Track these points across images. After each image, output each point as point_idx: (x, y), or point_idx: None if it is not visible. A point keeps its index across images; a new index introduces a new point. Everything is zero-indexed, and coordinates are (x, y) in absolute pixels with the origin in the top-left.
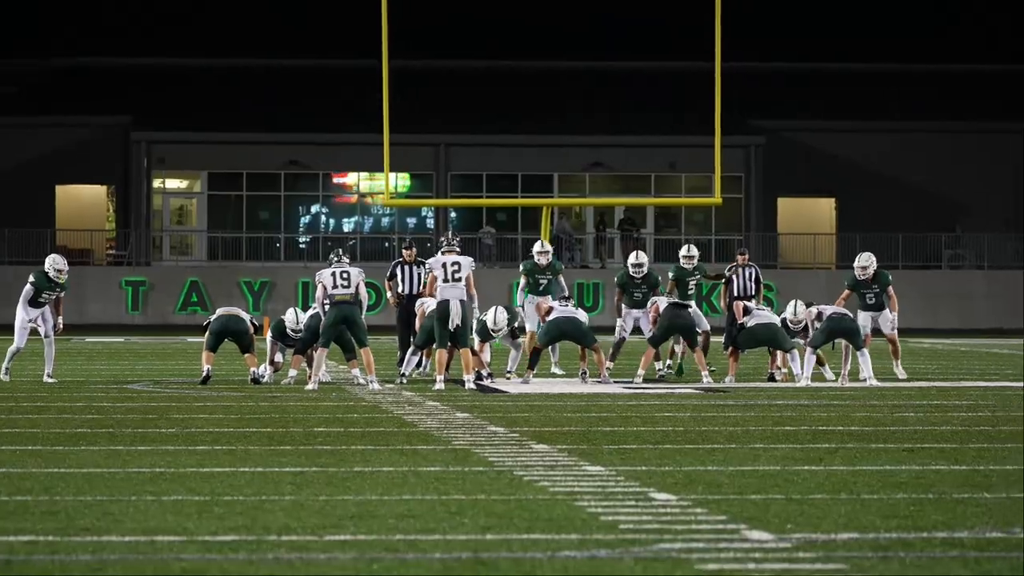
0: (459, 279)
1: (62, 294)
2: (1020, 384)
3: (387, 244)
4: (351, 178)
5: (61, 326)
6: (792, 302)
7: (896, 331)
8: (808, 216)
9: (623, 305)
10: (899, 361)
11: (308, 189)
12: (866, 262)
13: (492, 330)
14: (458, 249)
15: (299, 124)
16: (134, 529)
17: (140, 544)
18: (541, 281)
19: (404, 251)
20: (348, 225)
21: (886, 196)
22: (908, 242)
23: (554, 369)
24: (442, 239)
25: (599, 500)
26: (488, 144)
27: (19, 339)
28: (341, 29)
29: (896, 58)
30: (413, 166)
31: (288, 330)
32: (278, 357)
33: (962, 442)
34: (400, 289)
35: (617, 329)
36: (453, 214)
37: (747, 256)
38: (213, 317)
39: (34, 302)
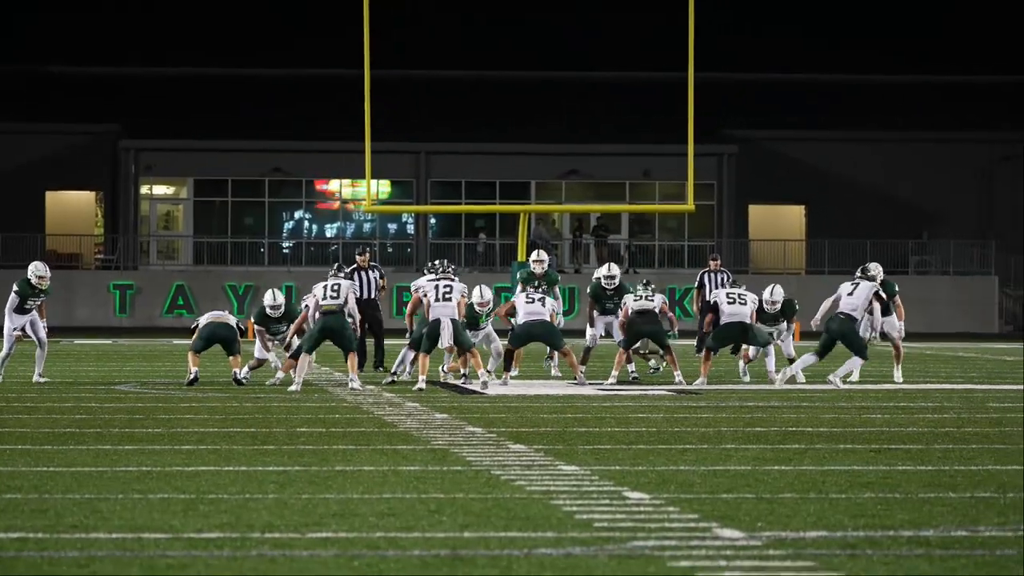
0: (449, 299)
1: (45, 299)
2: (984, 387)
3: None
4: (333, 185)
5: (45, 329)
6: (770, 286)
7: (902, 338)
8: (779, 223)
9: (595, 313)
10: (900, 365)
11: (291, 195)
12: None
13: (478, 304)
14: (453, 278)
15: (283, 132)
16: (121, 526)
17: (127, 541)
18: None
19: (358, 256)
20: (330, 231)
21: (855, 203)
22: (876, 248)
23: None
24: (436, 264)
25: (574, 499)
26: (467, 152)
27: (7, 346)
28: (324, 39)
29: (865, 68)
30: (394, 173)
31: (267, 308)
32: (270, 356)
33: (928, 443)
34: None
35: (589, 336)
36: (433, 220)
37: (719, 261)
38: (202, 322)
39: (20, 309)
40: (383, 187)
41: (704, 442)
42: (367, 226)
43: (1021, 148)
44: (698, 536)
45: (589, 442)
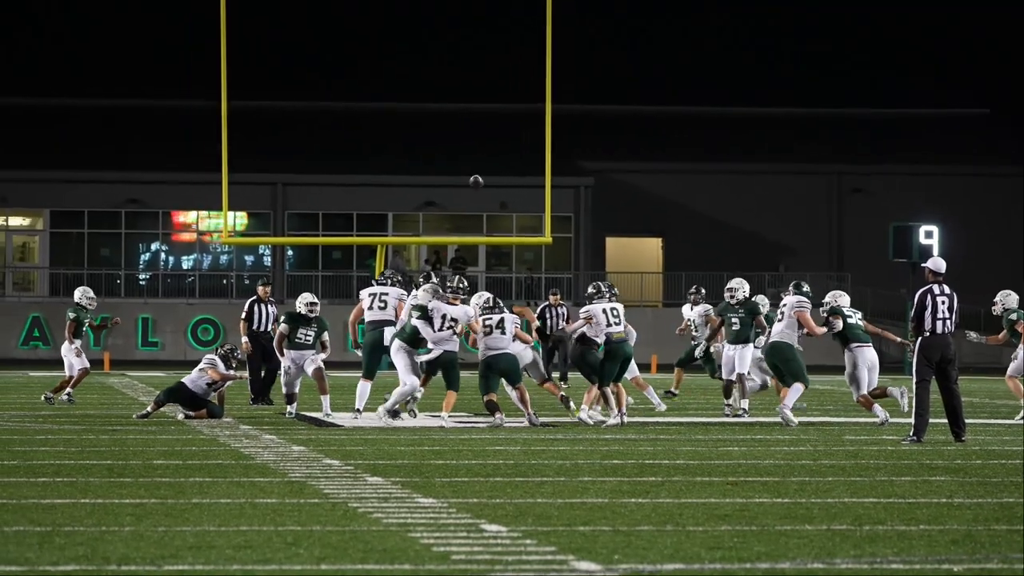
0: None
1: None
2: (840, 419)
3: (225, 281)
4: (190, 216)
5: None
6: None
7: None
8: (636, 255)
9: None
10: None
11: (148, 227)
12: (736, 285)
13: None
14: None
15: (139, 163)
16: None
17: None
18: None
19: (260, 288)
20: (187, 262)
21: (711, 236)
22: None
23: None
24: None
25: (431, 531)
26: (324, 184)
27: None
28: (180, 70)
29: (718, 101)
30: (251, 205)
31: (303, 305)
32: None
33: (784, 476)
34: (254, 326)
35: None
36: (290, 252)
37: (559, 296)
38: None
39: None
40: (240, 219)
41: (561, 475)
42: (224, 258)
43: (871, 180)
44: (555, 569)
45: (446, 475)
